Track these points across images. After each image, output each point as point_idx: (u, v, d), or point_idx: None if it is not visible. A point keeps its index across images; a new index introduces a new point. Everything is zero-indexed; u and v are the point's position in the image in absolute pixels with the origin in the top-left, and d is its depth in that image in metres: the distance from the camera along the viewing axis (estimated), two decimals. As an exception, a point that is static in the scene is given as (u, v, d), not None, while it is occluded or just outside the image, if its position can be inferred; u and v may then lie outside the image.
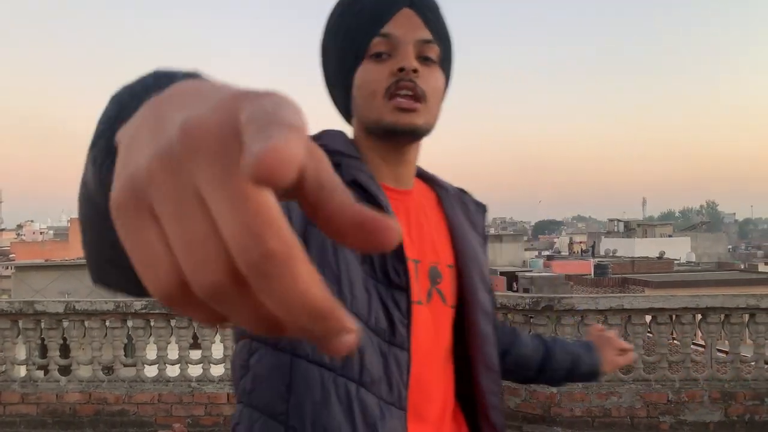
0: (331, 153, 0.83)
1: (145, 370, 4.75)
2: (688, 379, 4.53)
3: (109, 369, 4.87)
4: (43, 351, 4.85)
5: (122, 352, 4.79)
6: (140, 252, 0.25)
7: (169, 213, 0.24)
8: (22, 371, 4.86)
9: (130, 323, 4.77)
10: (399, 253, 0.83)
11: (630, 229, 49.89)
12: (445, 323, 0.92)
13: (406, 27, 0.87)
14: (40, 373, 4.79)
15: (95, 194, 0.40)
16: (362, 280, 0.81)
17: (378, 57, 0.87)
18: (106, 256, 0.45)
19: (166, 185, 0.24)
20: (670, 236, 45.53)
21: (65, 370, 4.82)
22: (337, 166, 0.83)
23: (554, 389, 4.51)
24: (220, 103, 0.25)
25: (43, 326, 4.76)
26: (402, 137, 0.88)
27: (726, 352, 4.74)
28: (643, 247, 38.11)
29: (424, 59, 0.87)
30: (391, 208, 0.86)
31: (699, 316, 4.62)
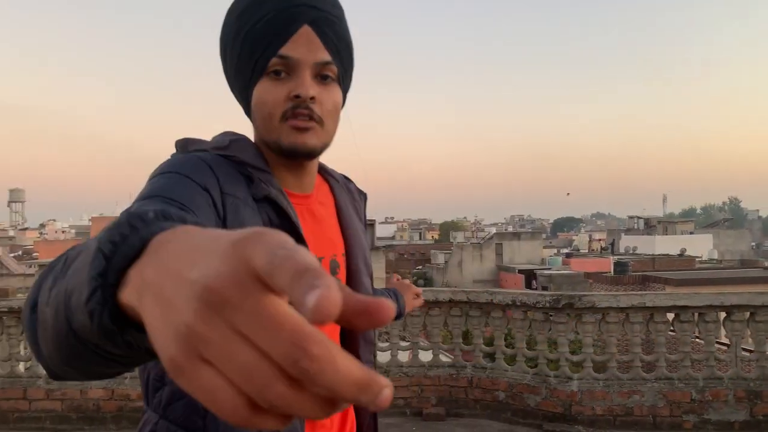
0: (242, 165, 0.90)
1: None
2: (713, 377, 4.47)
3: (131, 366, 4.93)
4: (67, 348, 4.92)
5: (144, 349, 4.84)
6: (207, 394, 0.30)
7: (221, 356, 0.29)
8: (47, 367, 4.93)
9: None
10: None
11: (650, 226, 49.28)
12: None
13: (304, 48, 0.89)
14: (65, 370, 4.87)
15: (88, 334, 0.42)
16: None
17: (276, 74, 0.89)
18: (71, 365, 0.49)
19: (211, 335, 0.29)
20: (691, 233, 44.84)
21: (89, 367, 4.89)
22: (249, 179, 0.90)
23: (575, 388, 4.47)
24: (225, 255, 0.31)
25: (67, 323, 4.83)
26: (301, 158, 0.94)
27: (751, 351, 4.66)
28: (664, 245, 37.58)
29: (322, 77, 0.91)
30: (298, 217, 0.92)
31: (723, 314, 4.55)
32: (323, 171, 1.09)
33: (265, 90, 0.90)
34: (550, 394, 4.56)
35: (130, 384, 4.74)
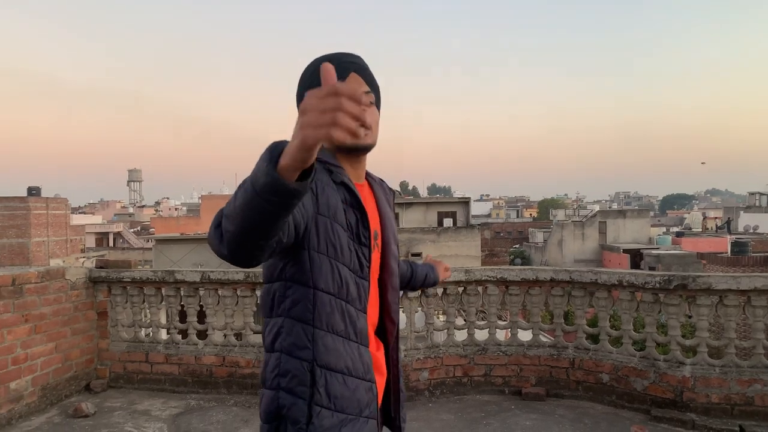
0: (325, 163, 1.48)
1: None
2: None
3: (238, 335, 5.20)
4: (182, 316, 5.27)
5: (252, 319, 5.08)
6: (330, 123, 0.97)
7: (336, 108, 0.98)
8: (164, 334, 5.32)
9: (258, 292, 5.04)
10: (365, 225, 1.50)
11: (774, 204, 45.20)
12: (378, 262, 1.60)
13: (355, 82, 1.55)
14: (180, 337, 5.22)
15: (264, 187, 1.07)
16: (347, 243, 1.46)
17: None
18: (248, 236, 1.15)
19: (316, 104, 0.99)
20: (823, 211, 40.69)
21: (201, 335, 5.21)
22: (330, 172, 1.47)
23: (687, 373, 4.21)
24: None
25: (182, 294, 5.17)
26: (361, 152, 1.58)
27: None
28: (790, 223, 34.42)
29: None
30: (361, 197, 1.50)
31: None
32: (366, 174, 1.67)
33: None
34: (659, 378, 4.33)
35: (238, 352, 5.00)
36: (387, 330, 1.63)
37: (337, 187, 1.44)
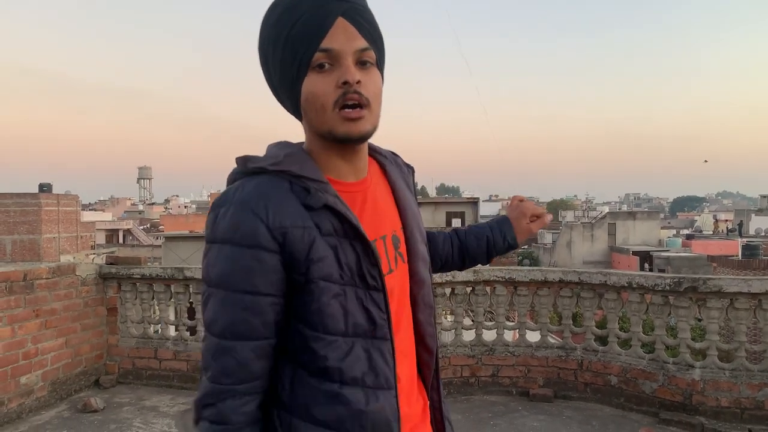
0: (299, 178, 0.98)
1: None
2: None
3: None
4: (191, 313, 5.30)
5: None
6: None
7: None
8: (173, 331, 5.34)
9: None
10: (373, 260, 1.01)
11: (786, 207, 44.86)
12: (406, 277, 1.13)
13: (343, 38, 0.96)
14: (189, 334, 5.25)
15: None
16: (341, 298, 1.00)
17: (321, 68, 0.96)
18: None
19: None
20: (835, 215, 40.33)
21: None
22: (307, 191, 0.97)
23: (696, 376, 4.18)
24: None
25: (191, 290, 5.19)
26: (355, 143, 1.02)
27: None
28: (802, 227, 34.16)
29: (362, 63, 0.98)
30: (358, 204, 1.04)
31: None
32: (372, 150, 1.17)
33: (313, 83, 0.97)
34: (668, 381, 4.31)
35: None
36: (422, 363, 1.16)
37: (318, 214, 0.97)
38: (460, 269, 1.49)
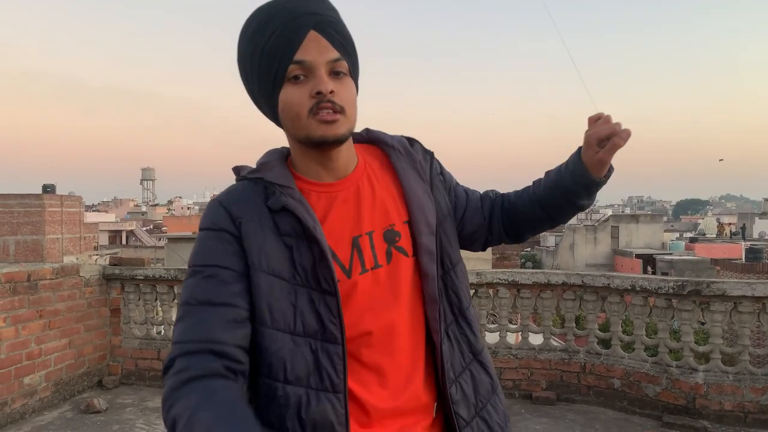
0: (271, 184, 1.06)
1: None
2: None
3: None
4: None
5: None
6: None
7: None
8: (177, 332, 5.35)
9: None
10: (325, 263, 1.02)
11: (790, 210, 44.75)
12: (409, 272, 1.10)
13: (315, 51, 1.01)
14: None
15: None
16: (291, 300, 1.03)
17: (296, 79, 1.01)
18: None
19: None
20: (840, 218, 40.22)
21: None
22: (274, 194, 1.05)
23: (700, 380, 4.17)
24: None
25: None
26: (332, 146, 1.05)
27: None
28: (806, 230, 34.07)
29: (335, 73, 1.02)
30: (334, 204, 1.08)
31: None
32: (379, 141, 1.20)
33: (288, 94, 1.02)
34: (671, 384, 4.29)
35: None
36: (429, 357, 1.13)
37: (278, 215, 1.04)
38: (546, 224, 1.27)
